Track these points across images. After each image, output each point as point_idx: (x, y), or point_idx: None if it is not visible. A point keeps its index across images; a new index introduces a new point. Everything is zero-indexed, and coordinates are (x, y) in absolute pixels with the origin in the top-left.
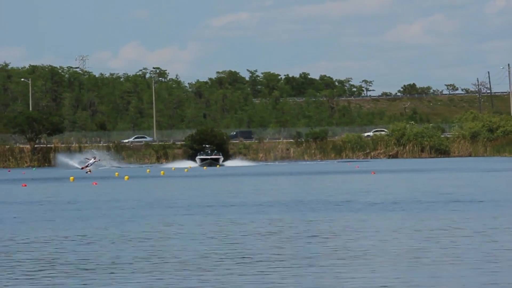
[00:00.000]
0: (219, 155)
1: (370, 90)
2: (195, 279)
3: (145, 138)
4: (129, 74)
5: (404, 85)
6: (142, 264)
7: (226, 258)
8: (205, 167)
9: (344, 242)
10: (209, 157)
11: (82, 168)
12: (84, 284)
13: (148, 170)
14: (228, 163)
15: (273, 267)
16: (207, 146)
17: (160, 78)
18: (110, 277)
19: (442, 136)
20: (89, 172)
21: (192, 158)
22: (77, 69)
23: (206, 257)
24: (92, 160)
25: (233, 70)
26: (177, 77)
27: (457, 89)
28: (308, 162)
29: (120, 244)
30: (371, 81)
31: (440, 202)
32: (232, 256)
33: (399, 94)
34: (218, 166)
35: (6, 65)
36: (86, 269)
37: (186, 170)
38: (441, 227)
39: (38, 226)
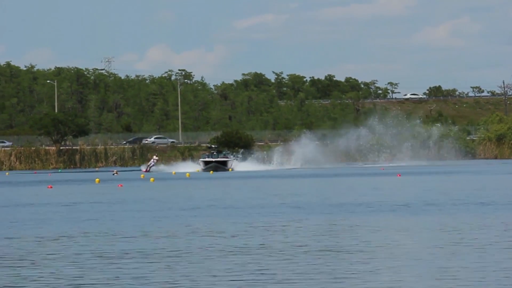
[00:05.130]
0: (228, 158)
1: (395, 93)
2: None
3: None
4: (154, 76)
5: (430, 87)
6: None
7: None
8: (211, 172)
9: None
10: (213, 159)
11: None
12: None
13: (173, 172)
14: (241, 166)
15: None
16: (213, 146)
17: (185, 80)
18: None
19: (468, 138)
20: (115, 174)
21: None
22: (103, 71)
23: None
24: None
25: (258, 72)
26: (203, 79)
27: (482, 92)
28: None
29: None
30: (396, 84)
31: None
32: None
33: (424, 96)
34: (230, 170)
35: (32, 67)
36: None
37: (211, 172)
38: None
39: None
